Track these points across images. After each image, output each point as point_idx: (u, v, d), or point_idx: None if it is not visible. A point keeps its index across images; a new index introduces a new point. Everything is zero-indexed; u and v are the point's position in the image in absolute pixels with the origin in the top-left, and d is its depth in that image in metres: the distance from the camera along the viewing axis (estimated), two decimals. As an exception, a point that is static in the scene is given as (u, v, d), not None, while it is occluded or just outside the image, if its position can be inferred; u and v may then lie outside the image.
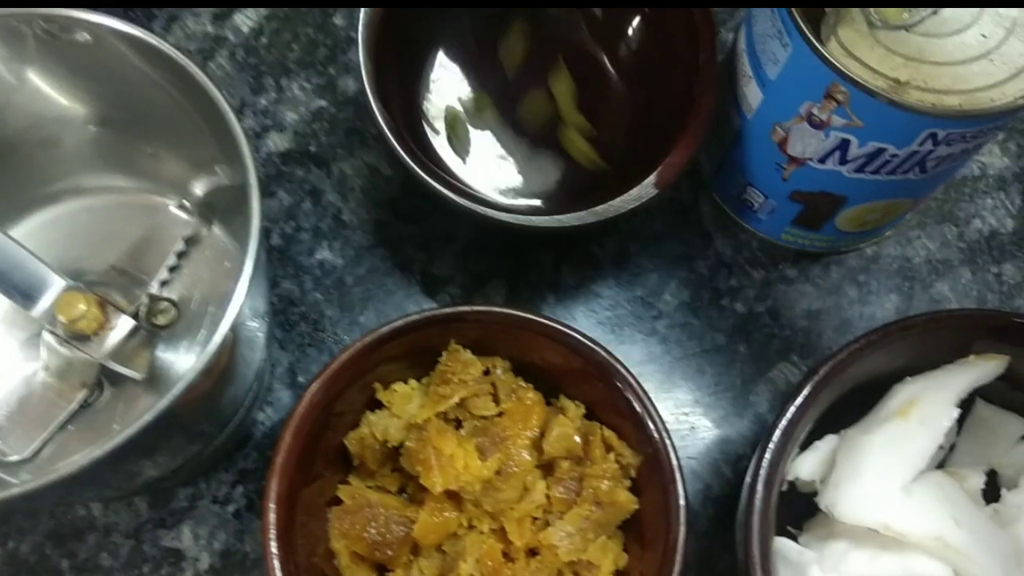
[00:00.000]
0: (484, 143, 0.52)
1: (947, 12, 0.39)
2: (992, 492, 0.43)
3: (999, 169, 0.53)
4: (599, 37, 0.53)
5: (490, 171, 0.51)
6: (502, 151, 0.52)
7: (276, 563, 0.37)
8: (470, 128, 0.52)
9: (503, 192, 0.51)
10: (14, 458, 0.40)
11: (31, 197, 0.44)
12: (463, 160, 0.51)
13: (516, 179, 0.51)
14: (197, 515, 0.46)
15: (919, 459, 0.39)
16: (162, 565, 0.45)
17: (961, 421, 0.43)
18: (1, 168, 0.42)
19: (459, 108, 0.52)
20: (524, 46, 0.52)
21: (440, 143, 0.52)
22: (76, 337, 0.39)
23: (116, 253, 0.43)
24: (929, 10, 0.39)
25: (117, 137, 0.42)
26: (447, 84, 0.53)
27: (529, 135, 0.52)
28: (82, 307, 0.38)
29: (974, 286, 0.51)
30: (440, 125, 0.52)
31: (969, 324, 0.41)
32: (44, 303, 0.39)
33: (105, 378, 0.41)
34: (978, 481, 0.43)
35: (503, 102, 0.52)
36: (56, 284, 0.39)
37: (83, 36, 0.37)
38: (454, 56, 0.53)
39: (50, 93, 0.41)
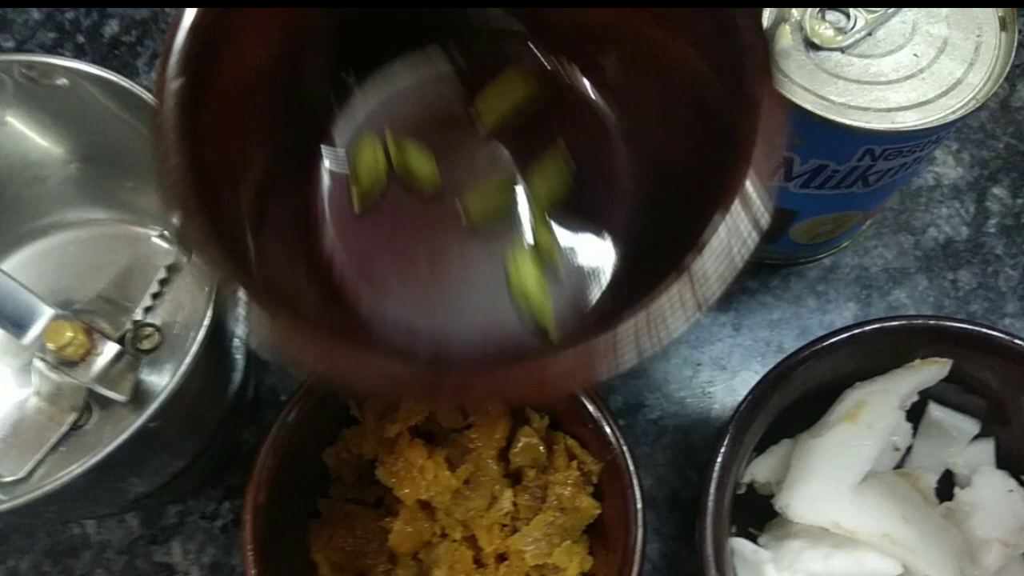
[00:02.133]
0: (396, 216, 0.37)
1: (881, 34, 0.41)
2: (948, 491, 0.45)
3: (953, 179, 0.55)
4: (608, 94, 0.38)
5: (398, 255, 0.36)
6: (413, 234, 0.37)
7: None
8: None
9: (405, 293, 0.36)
10: (9, 478, 0.42)
11: (20, 232, 0.47)
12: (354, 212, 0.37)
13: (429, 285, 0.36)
14: (186, 531, 0.48)
15: (867, 460, 0.41)
16: (154, 579, 0.48)
17: (916, 424, 0.45)
18: (-9, 207, 0.45)
19: (380, 152, 0.36)
20: (516, 102, 0.37)
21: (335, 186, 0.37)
22: (65, 363, 0.41)
23: (102, 282, 0.45)
24: (864, 32, 0.41)
25: (99, 173, 0.45)
26: (379, 114, 0.38)
27: (462, 232, 0.36)
28: (69, 334, 0.40)
29: (930, 293, 0.53)
30: (340, 155, 0.37)
31: (913, 331, 0.42)
32: (34, 331, 0.41)
33: (93, 401, 0.43)
34: (931, 481, 0.44)
35: (448, 170, 0.37)
36: (45, 313, 0.41)
37: (61, 80, 0.39)
38: (415, 68, 0.38)
39: (33, 135, 0.43)
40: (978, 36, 0.41)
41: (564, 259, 0.36)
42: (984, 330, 0.41)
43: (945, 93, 0.40)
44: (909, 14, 0.41)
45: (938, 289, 0.53)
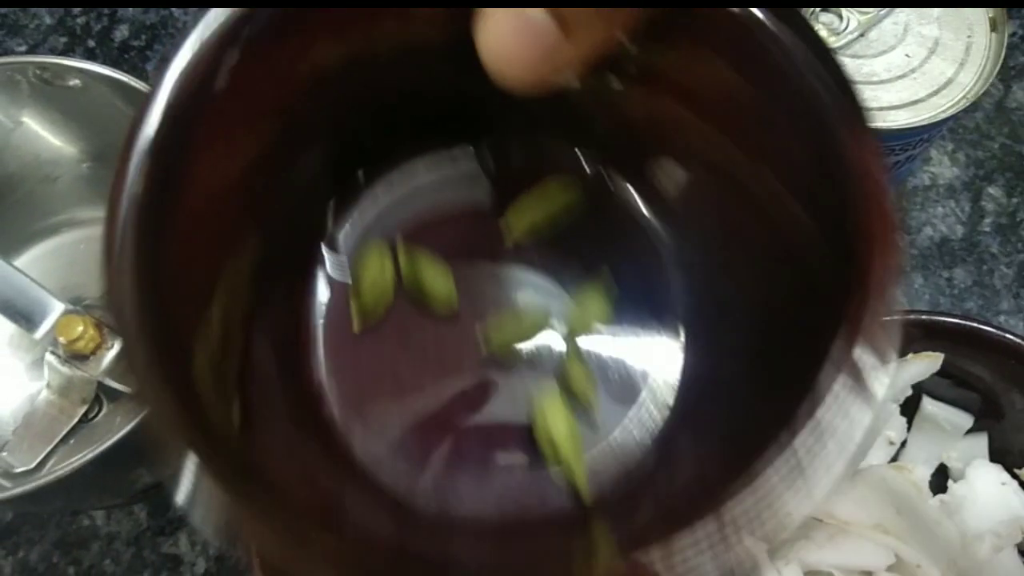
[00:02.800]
0: (400, 343, 0.30)
1: (873, 35, 0.42)
2: (942, 484, 0.45)
3: (949, 179, 0.55)
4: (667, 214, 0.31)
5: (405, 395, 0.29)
6: (422, 362, 0.30)
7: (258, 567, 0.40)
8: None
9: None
10: (21, 469, 0.43)
11: (33, 230, 0.48)
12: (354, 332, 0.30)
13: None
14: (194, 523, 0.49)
15: (860, 452, 0.42)
16: (161, 570, 0.48)
17: (911, 418, 0.46)
18: (4, 204, 0.46)
19: (388, 263, 0.30)
20: (552, 212, 0.31)
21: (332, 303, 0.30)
22: (76, 357, 0.42)
23: (112, 279, 0.46)
24: (856, 33, 0.42)
25: (110, 172, 0.45)
26: (389, 217, 0.31)
27: (480, 363, 0.30)
28: (80, 328, 0.41)
29: (926, 290, 0.53)
30: (341, 261, 0.30)
31: (906, 327, 0.43)
32: (45, 326, 0.42)
33: (103, 394, 0.44)
34: (924, 474, 0.45)
35: (467, 288, 0.30)
36: (56, 308, 0.42)
37: (73, 82, 0.40)
38: (436, 167, 0.32)
39: (46, 135, 0.44)
40: (969, 37, 0.42)
41: (601, 402, 0.29)
42: (976, 325, 0.42)
43: (936, 92, 0.41)
44: (901, 15, 0.42)
45: (933, 287, 0.53)
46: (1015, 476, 0.44)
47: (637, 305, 0.30)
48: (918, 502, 0.43)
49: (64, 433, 0.44)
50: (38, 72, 0.40)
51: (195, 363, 0.23)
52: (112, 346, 0.42)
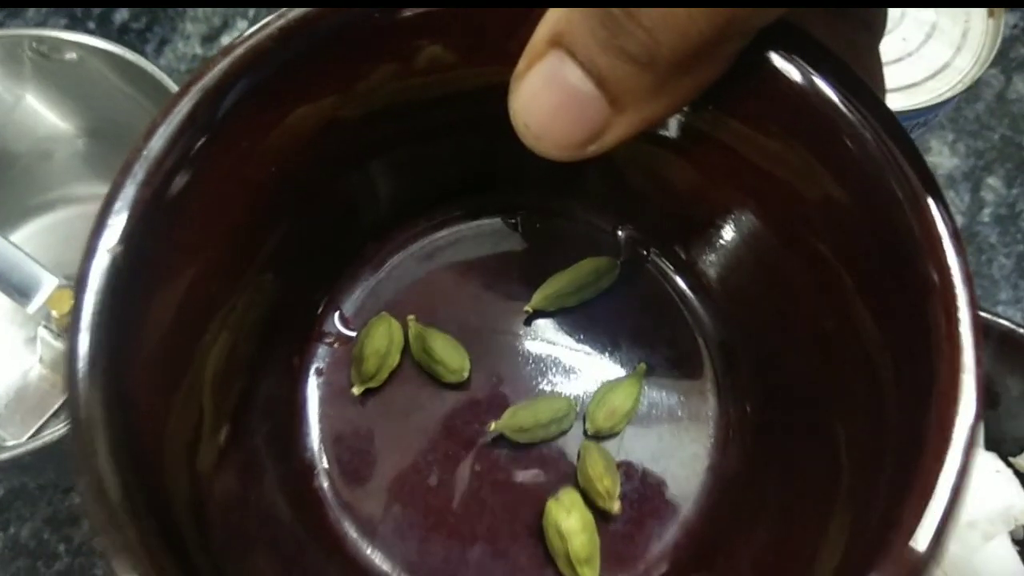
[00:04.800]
0: (403, 404, 0.28)
1: (870, 18, 0.42)
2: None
3: (949, 169, 0.55)
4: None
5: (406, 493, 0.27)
6: (424, 440, 0.28)
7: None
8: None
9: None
10: (12, 443, 0.43)
11: (28, 205, 0.48)
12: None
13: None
14: (185, 502, 0.49)
15: None
16: (152, 548, 0.48)
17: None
18: (2, 180, 0.46)
19: (397, 331, 0.28)
20: (579, 295, 0.29)
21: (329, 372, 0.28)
22: (68, 331, 0.42)
23: (107, 255, 0.46)
24: (854, 17, 0.42)
25: (106, 149, 0.46)
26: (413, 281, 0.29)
27: (491, 453, 0.28)
28: (72, 303, 0.41)
29: (924, 280, 0.53)
30: (327, 346, 0.29)
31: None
32: (39, 300, 0.42)
33: (96, 370, 0.45)
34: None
35: (481, 362, 0.28)
36: (49, 282, 0.42)
37: (70, 55, 0.40)
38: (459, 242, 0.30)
39: (43, 110, 0.45)
40: (966, 22, 0.42)
41: (625, 509, 0.27)
42: (971, 311, 0.42)
43: (933, 76, 0.41)
44: (898, -2, 0.42)
45: (931, 277, 0.53)
46: (1009, 464, 0.44)
47: (669, 396, 0.27)
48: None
49: (56, 407, 0.44)
50: (35, 46, 0.41)
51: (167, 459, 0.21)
52: (105, 321, 0.42)
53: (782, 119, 0.21)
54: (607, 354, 0.28)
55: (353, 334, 0.28)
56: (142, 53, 0.58)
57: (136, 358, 0.21)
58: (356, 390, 0.28)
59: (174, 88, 0.40)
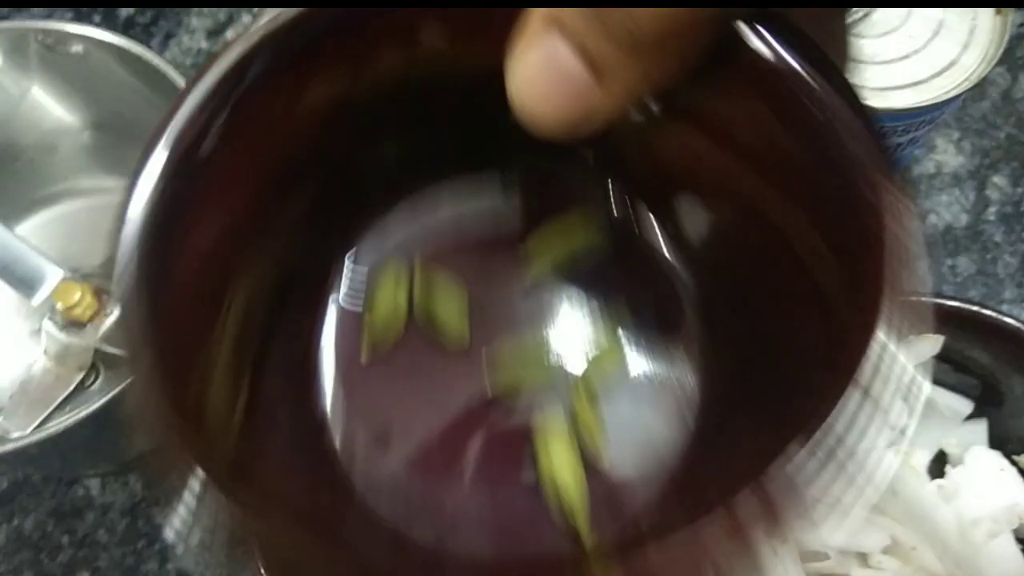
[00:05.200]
0: (407, 368, 0.29)
1: (877, 15, 0.42)
2: (940, 470, 0.45)
3: (954, 167, 0.55)
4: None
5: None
6: (428, 397, 0.29)
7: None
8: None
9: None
10: (16, 435, 0.43)
11: (33, 198, 0.48)
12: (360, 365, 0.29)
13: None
14: (189, 495, 0.49)
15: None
16: (155, 541, 0.48)
17: (910, 404, 0.46)
18: (6, 172, 0.47)
19: (402, 294, 0.30)
20: (574, 250, 0.30)
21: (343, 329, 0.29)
22: (73, 323, 0.42)
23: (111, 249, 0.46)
24: (861, 13, 0.42)
25: (111, 142, 0.46)
26: (406, 242, 0.30)
27: (488, 401, 0.29)
28: (78, 295, 0.42)
29: (929, 278, 0.53)
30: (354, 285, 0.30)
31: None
32: (43, 292, 0.42)
33: (100, 362, 0.45)
34: (923, 458, 0.45)
35: (480, 322, 0.30)
36: (54, 275, 0.42)
37: (76, 48, 0.40)
38: (460, 193, 0.31)
39: (49, 103, 0.45)
40: (973, 19, 0.42)
41: (610, 447, 0.28)
42: (976, 309, 0.42)
43: (939, 74, 0.41)
44: (905, -5, 0.42)
45: (937, 275, 0.53)
46: (1014, 463, 0.44)
47: (654, 348, 0.29)
48: (916, 485, 0.43)
49: (60, 399, 0.44)
50: (41, 38, 0.41)
51: (201, 386, 0.23)
52: (110, 313, 0.42)
53: (749, 84, 0.23)
54: (594, 307, 0.30)
55: (361, 295, 0.30)
56: (147, 47, 0.58)
57: (168, 302, 0.23)
58: (364, 357, 0.29)
59: (180, 81, 0.40)
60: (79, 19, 0.60)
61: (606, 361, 0.29)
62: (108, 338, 0.42)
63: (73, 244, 0.47)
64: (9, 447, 0.33)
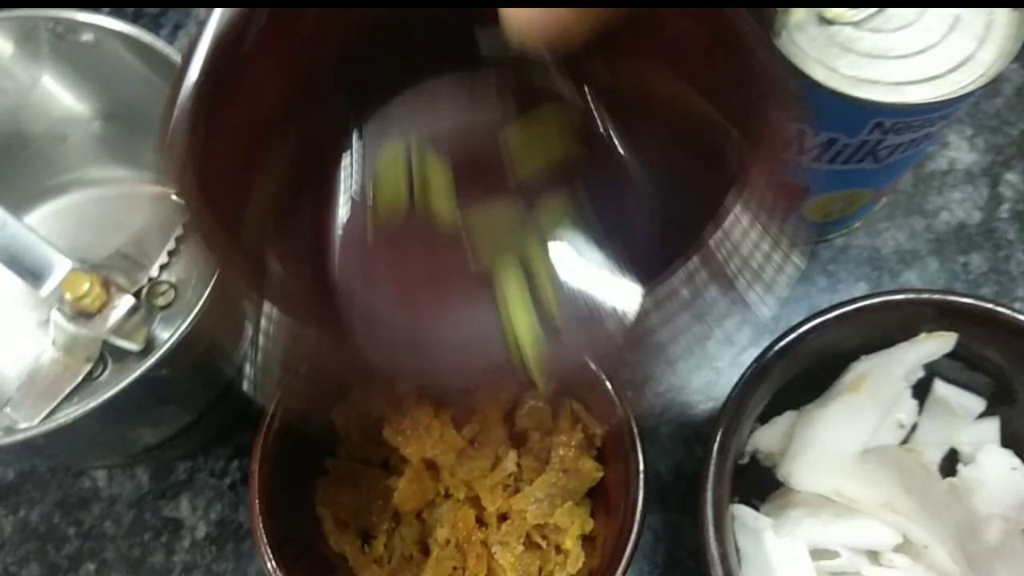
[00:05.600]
0: (406, 246, 0.35)
1: (893, 9, 0.41)
2: (952, 468, 0.45)
3: (967, 164, 0.55)
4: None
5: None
6: (421, 270, 0.35)
7: (263, 528, 0.40)
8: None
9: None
10: (24, 426, 0.43)
11: (42, 188, 0.48)
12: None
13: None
14: (195, 487, 0.49)
15: (869, 429, 0.41)
16: (162, 533, 0.48)
17: (922, 401, 0.45)
18: (16, 162, 0.46)
19: (403, 183, 0.35)
20: (551, 160, 0.35)
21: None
22: (81, 314, 0.42)
23: (120, 239, 0.46)
24: (876, 7, 0.41)
25: (120, 132, 0.46)
26: (407, 116, 0.36)
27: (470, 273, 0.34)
28: (86, 286, 0.41)
29: (941, 275, 0.53)
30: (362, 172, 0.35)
31: (919, 305, 0.42)
32: (52, 283, 0.42)
33: (108, 354, 0.44)
34: (934, 456, 0.44)
35: (467, 208, 0.34)
36: (63, 265, 0.42)
37: (87, 36, 0.40)
38: (438, 93, 0.36)
39: (59, 92, 0.44)
40: (989, 14, 0.41)
41: (564, 312, 0.32)
42: (990, 306, 0.41)
43: (955, 69, 0.40)
44: (922, -12, 0.41)
45: (949, 272, 0.53)
46: (1026, 461, 0.44)
47: (609, 226, 0.34)
48: (927, 483, 0.42)
49: (68, 391, 0.43)
50: (51, 27, 0.40)
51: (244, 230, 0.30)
52: (118, 305, 0.42)
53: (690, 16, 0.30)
54: (556, 184, 0.35)
55: (366, 173, 0.35)
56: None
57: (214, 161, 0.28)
58: (370, 236, 0.34)
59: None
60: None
61: (561, 214, 0.34)
62: (116, 329, 0.42)
63: (82, 234, 0.47)
64: (17, 438, 0.33)
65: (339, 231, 0.35)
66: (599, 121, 0.35)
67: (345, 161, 0.35)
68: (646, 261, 0.32)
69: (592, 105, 0.35)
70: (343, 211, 0.35)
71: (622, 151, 0.35)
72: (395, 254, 0.34)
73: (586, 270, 0.33)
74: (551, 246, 0.33)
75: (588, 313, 0.32)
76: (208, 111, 0.28)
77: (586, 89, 0.35)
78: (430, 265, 0.34)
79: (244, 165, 0.31)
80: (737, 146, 0.29)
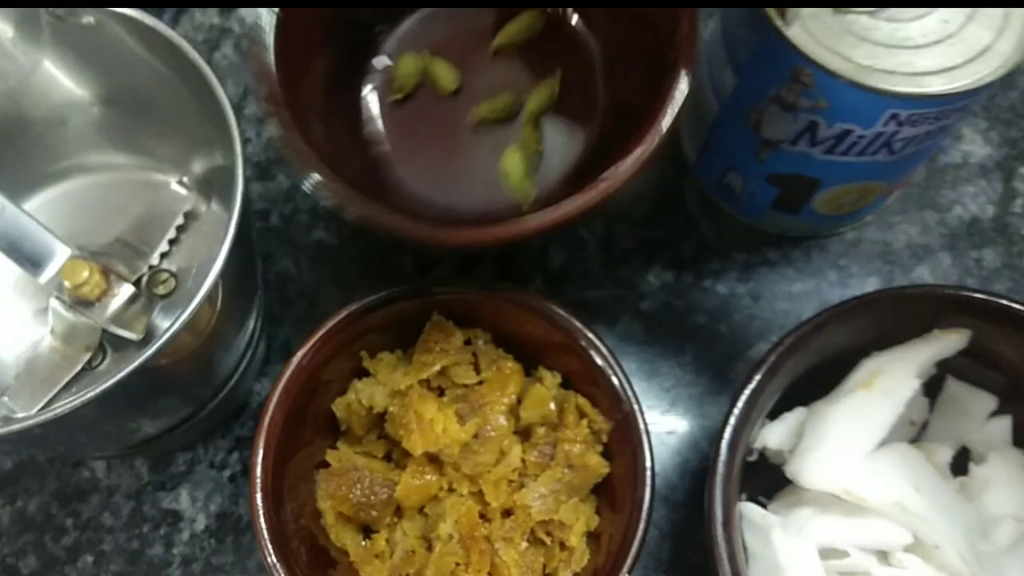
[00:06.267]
0: (423, 112, 0.49)
1: (909, -2, 0.40)
2: (963, 467, 0.44)
3: (981, 157, 0.54)
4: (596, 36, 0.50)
5: (428, 153, 0.48)
6: (434, 125, 0.48)
7: (263, 520, 0.39)
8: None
9: (441, 184, 0.48)
10: (21, 415, 0.42)
11: (41, 174, 0.47)
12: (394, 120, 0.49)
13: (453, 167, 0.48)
14: (195, 479, 0.48)
15: (881, 428, 0.41)
16: (161, 525, 0.48)
17: (933, 399, 0.45)
18: (14, 147, 0.45)
19: (417, 60, 0.48)
20: (525, 35, 0.49)
21: (374, 99, 0.49)
22: (80, 303, 0.41)
23: (120, 226, 0.45)
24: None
25: (121, 117, 0.45)
26: (420, 34, 0.50)
27: (471, 128, 0.48)
28: (86, 274, 0.40)
29: (954, 270, 0.52)
30: (379, 73, 0.49)
31: (932, 300, 0.42)
32: (51, 270, 0.41)
33: (108, 343, 0.44)
34: (945, 455, 0.44)
35: (467, 80, 0.49)
36: (62, 252, 0.41)
37: (88, 19, 0.39)
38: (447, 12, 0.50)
39: (59, 76, 0.43)
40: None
41: (545, 154, 0.48)
42: (1005, 302, 0.41)
43: (973, 60, 0.39)
44: (939, -22, 0.40)
45: (961, 267, 0.52)
46: (1037, 461, 0.43)
47: (576, 91, 0.48)
48: (939, 482, 0.42)
49: (67, 380, 0.43)
50: (52, 8, 0.40)
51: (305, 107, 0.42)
52: (117, 293, 0.41)
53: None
54: (536, 66, 0.49)
55: (390, 65, 0.50)
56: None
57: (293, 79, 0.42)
58: (393, 96, 0.49)
59: (193, 54, 0.39)
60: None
61: (545, 103, 0.48)
62: (116, 318, 0.41)
63: (81, 221, 0.46)
64: (14, 427, 0.32)
65: (368, 104, 0.49)
66: (559, 8, 0.50)
67: (374, 61, 0.49)
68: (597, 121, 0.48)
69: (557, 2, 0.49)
70: (371, 94, 0.49)
71: (587, 36, 0.49)
72: (410, 115, 0.48)
73: (561, 127, 0.49)
74: (534, 109, 0.48)
75: (559, 157, 0.48)
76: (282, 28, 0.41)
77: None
78: (437, 120, 0.48)
79: (303, 60, 0.43)
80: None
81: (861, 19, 0.40)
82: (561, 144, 0.48)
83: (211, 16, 0.57)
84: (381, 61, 0.49)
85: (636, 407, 0.41)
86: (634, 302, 0.52)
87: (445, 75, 0.48)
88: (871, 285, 0.52)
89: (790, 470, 0.41)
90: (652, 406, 0.49)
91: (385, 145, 0.48)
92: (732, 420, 0.39)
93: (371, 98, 0.49)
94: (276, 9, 0.41)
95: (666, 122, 0.39)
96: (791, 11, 0.40)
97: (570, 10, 0.49)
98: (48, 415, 0.33)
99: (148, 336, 0.43)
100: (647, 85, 0.41)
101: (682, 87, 0.39)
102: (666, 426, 0.49)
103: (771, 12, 0.39)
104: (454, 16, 0.49)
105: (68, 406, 0.32)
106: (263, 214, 0.53)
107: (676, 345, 0.51)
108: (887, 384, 0.41)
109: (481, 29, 0.49)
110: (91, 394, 0.32)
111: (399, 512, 0.43)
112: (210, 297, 0.36)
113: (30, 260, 0.41)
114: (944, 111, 0.40)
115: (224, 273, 0.36)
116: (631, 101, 0.43)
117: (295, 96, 0.41)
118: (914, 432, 0.45)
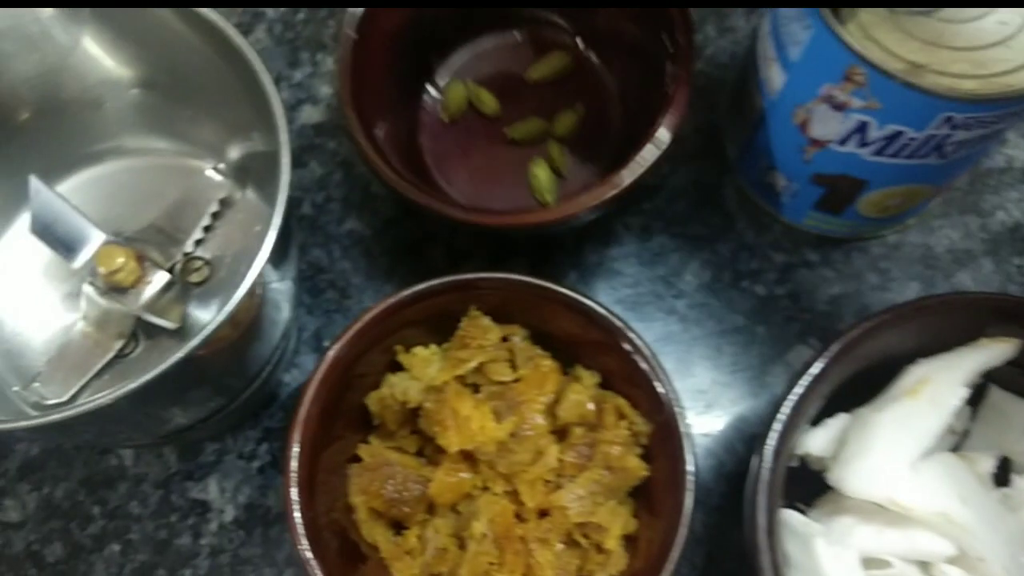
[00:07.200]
0: (467, 129, 0.55)
1: None
2: (1005, 478, 0.43)
3: (1025, 162, 0.53)
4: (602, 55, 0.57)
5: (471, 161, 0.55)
6: (476, 143, 0.55)
7: (297, 513, 0.39)
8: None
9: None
10: (52, 401, 0.42)
11: (77, 156, 0.46)
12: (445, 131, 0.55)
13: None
14: (223, 469, 0.48)
15: (927, 437, 0.40)
16: (189, 515, 0.47)
17: (975, 408, 0.44)
18: (51, 127, 0.45)
19: (463, 89, 0.55)
20: (555, 71, 0.56)
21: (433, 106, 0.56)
22: (114, 289, 0.41)
23: (154, 212, 0.44)
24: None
25: (158, 101, 0.44)
26: (466, 67, 0.57)
27: (508, 145, 0.55)
28: (120, 260, 0.40)
29: (995, 277, 0.51)
30: (431, 96, 0.56)
31: (982, 307, 0.41)
32: (85, 255, 0.41)
33: (140, 331, 0.43)
34: (988, 465, 0.43)
35: (506, 105, 0.55)
36: (96, 237, 0.41)
37: (130, -4, 0.39)
38: (493, 44, 0.57)
39: (99, 56, 0.43)
40: (1068, 5, 0.39)
41: (568, 169, 0.54)
42: (1053, 311, 0.40)
43: (1033, 62, 0.38)
44: (999, -22, 0.40)
45: (1003, 274, 0.51)
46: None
47: (594, 118, 0.55)
48: (983, 494, 0.41)
49: (99, 367, 0.42)
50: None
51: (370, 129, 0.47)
52: (151, 280, 0.41)
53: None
54: (562, 97, 0.56)
55: (441, 89, 0.56)
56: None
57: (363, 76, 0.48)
58: (445, 118, 0.56)
59: (238, 38, 0.38)
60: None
61: (569, 128, 0.54)
62: (150, 306, 0.41)
63: (115, 206, 0.46)
64: (50, 418, 0.32)
65: (423, 120, 0.55)
66: (583, 50, 0.57)
67: (427, 87, 0.56)
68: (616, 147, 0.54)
69: (582, 46, 0.57)
70: (424, 112, 0.56)
71: (603, 74, 0.56)
72: (458, 132, 0.55)
73: (579, 148, 0.55)
74: (559, 130, 0.55)
75: (583, 169, 0.54)
76: (358, 49, 0.47)
77: (582, 39, 0.57)
78: (482, 138, 0.55)
79: (371, 75, 0.49)
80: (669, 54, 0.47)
81: (917, 19, 0.39)
82: (580, 164, 0.54)
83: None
84: (433, 87, 0.56)
85: (678, 410, 0.40)
86: (670, 301, 0.51)
87: (487, 101, 0.55)
88: (911, 289, 0.51)
89: (833, 478, 0.40)
90: (687, 407, 0.48)
91: (432, 157, 0.54)
92: (778, 426, 0.38)
93: (424, 115, 0.55)
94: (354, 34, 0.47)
95: (625, 179, 0.44)
96: (846, 9, 0.39)
97: (591, 51, 0.57)
98: (83, 407, 0.32)
99: (183, 325, 0.42)
100: (652, 119, 0.45)
101: (660, 138, 0.44)
102: (701, 428, 0.49)
103: (825, 10, 0.38)
104: (495, 53, 0.57)
105: (110, 396, 0.31)
106: (295, 202, 0.52)
107: (713, 345, 0.50)
108: (934, 392, 0.40)
109: (517, 66, 0.56)
110: (132, 386, 0.32)
111: (431, 509, 0.42)
112: (251, 287, 0.35)
113: (64, 244, 0.41)
114: (999, 115, 0.39)
115: (267, 266, 0.35)
116: (639, 132, 0.47)
117: (360, 102, 0.47)
118: (955, 441, 0.44)
